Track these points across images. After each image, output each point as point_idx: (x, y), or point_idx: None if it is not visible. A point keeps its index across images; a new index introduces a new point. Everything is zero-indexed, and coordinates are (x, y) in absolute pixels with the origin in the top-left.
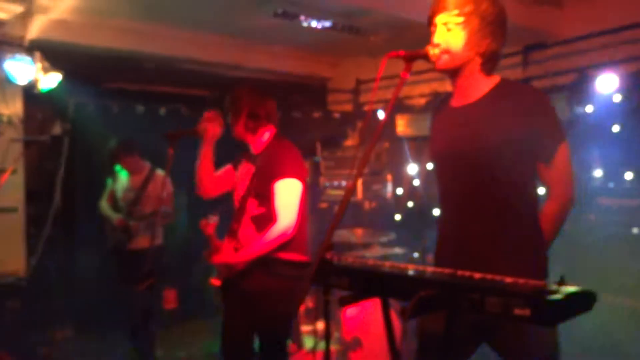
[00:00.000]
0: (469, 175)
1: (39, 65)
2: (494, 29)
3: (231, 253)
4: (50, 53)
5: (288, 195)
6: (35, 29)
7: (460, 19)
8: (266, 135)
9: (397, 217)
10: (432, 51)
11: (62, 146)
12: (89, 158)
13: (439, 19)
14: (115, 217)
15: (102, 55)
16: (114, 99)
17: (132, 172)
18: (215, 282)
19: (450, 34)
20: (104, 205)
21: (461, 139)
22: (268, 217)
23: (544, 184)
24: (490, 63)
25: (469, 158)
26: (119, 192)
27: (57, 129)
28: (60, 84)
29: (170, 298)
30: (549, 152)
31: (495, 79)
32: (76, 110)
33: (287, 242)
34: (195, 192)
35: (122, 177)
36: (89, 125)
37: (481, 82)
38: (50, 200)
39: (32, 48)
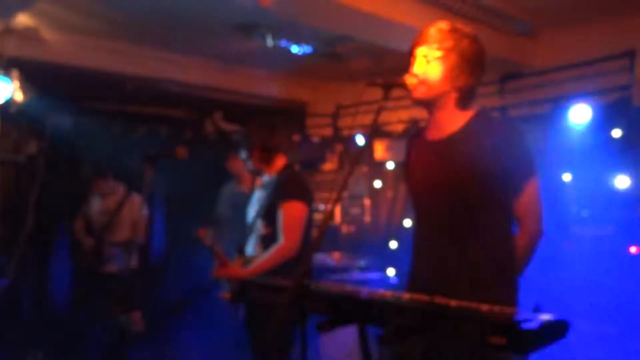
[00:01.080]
0: (443, 208)
1: (16, 83)
2: (472, 66)
3: (237, 268)
4: (28, 71)
5: (292, 216)
6: (12, 47)
7: (440, 53)
8: (278, 163)
9: (375, 241)
10: (410, 81)
11: (38, 166)
12: (65, 178)
13: (420, 51)
14: (87, 242)
15: (80, 74)
16: (92, 118)
17: (105, 195)
18: (226, 295)
19: (428, 66)
20: (78, 228)
21: (436, 172)
22: (274, 237)
23: (514, 217)
24: (465, 98)
25: (443, 191)
26: (92, 215)
27: (32, 148)
28: (38, 102)
29: (136, 320)
30: (518, 186)
31: (469, 113)
32: (53, 130)
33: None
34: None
35: (96, 201)
36: (66, 144)
37: (456, 116)
38: (24, 220)
39: (9, 66)
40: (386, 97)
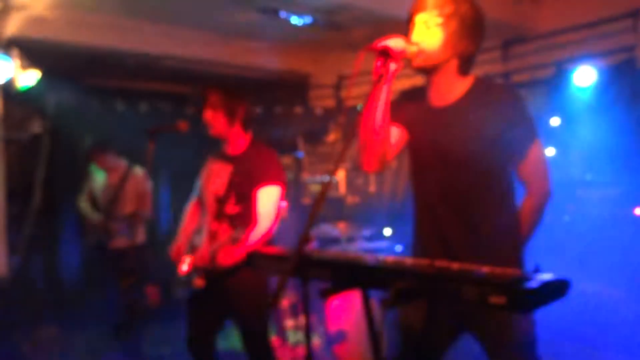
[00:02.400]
0: (449, 173)
1: (17, 62)
2: (472, 31)
3: (230, 254)
4: (29, 50)
5: (271, 201)
6: (12, 26)
7: (440, 20)
8: (245, 137)
9: (380, 211)
10: (409, 49)
11: (42, 144)
12: (70, 156)
13: (419, 18)
14: (94, 217)
15: (81, 52)
16: (94, 96)
17: (108, 170)
18: (199, 282)
19: (428, 33)
20: (83, 204)
21: (441, 140)
22: (243, 216)
23: (520, 181)
24: (466, 64)
25: (449, 158)
26: (97, 191)
27: (36, 127)
28: (39, 81)
29: (153, 295)
30: (522, 149)
31: (470, 79)
32: (56, 108)
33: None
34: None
35: (99, 177)
36: (69, 122)
37: (457, 83)
38: (31, 198)
39: (10, 45)
40: (385, 64)
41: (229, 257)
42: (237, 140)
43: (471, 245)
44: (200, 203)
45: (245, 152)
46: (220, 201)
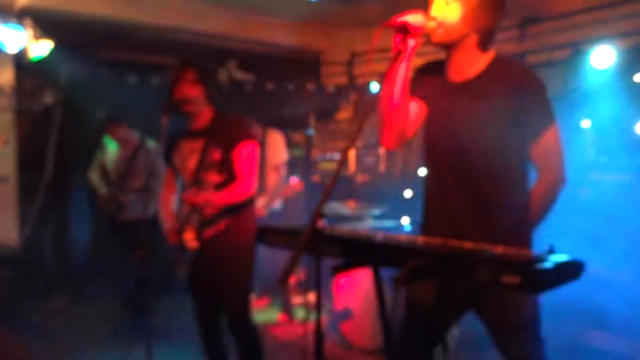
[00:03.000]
0: (463, 150)
1: (30, 33)
2: (493, 6)
3: (204, 195)
4: (41, 20)
5: (251, 158)
6: None
7: None
8: (210, 111)
9: (390, 190)
10: (428, 24)
11: (54, 116)
12: (82, 127)
13: None
14: (103, 190)
15: (94, 23)
16: (106, 68)
17: (121, 143)
18: (193, 244)
19: (448, 7)
20: (94, 177)
21: (457, 115)
22: (229, 183)
23: (533, 164)
24: (487, 39)
25: (465, 134)
26: (108, 164)
27: (49, 98)
28: (52, 52)
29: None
30: (535, 131)
31: (490, 55)
32: (68, 80)
33: (249, 202)
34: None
35: (111, 148)
36: (81, 94)
37: (477, 58)
38: (43, 170)
39: (23, 15)
40: (404, 40)
41: (198, 198)
42: (203, 115)
43: (479, 225)
44: (179, 186)
45: (212, 123)
46: (202, 175)
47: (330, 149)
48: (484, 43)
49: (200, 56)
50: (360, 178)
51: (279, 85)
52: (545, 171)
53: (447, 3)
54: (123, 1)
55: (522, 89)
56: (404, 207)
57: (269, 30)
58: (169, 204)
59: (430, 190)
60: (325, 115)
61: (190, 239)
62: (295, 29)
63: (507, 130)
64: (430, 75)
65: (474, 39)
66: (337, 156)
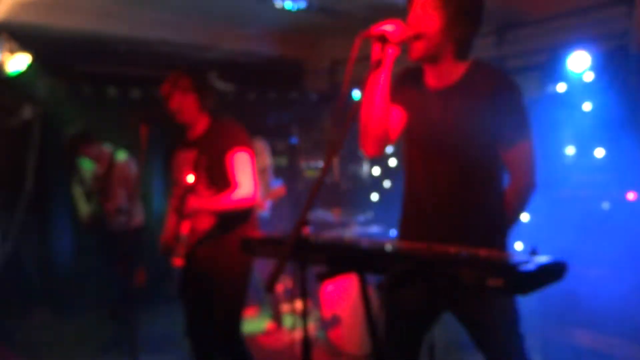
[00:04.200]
0: (440, 155)
1: (7, 47)
2: (471, 16)
3: (198, 200)
4: (19, 35)
5: (247, 166)
6: (2, 10)
7: (437, 3)
8: (207, 120)
9: (374, 196)
10: (406, 33)
11: (33, 130)
12: (61, 142)
13: (417, 0)
14: (85, 209)
15: (72, 37)
16: (85, 82)
17: (94, 160)
18: (178, 262)
19: (427, 16)
20: (76, 195)
21: (438, 122)
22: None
23: (506, 169)
24: (464, 48)
25: (444, 140)
26: (86, 182)
27: (27, 113)
28: (30, 66)
29: (140, 276)
30: (509, 141)
31: (467, 63)
32: (47, 94)
33: (247, 213)
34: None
35: (86, 167)
36: (60, 108)
37: (454, 66)
38: (22, 185)
39: (0, 29)
40: (383, 49)
41: (196, 203)
42: (199, 124)
43: (455, 228)
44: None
45: (206, 132)
46: (191, 189)
47: (314, 157)
48: (462, 52)
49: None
50: (344, 185)
51: (261, 95)
52: (516, 177)
53: (425, 11)
54: (101, 14)
55: (499, 97)
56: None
57: (250, 40)
58: (172, 214)
59: (408, 195)
60: (309, 123)
61: (178, 263)
62: (277, 38)
63: (483, 136)
64: (410, 82)
65: (450, 48)
66: (321, 164)
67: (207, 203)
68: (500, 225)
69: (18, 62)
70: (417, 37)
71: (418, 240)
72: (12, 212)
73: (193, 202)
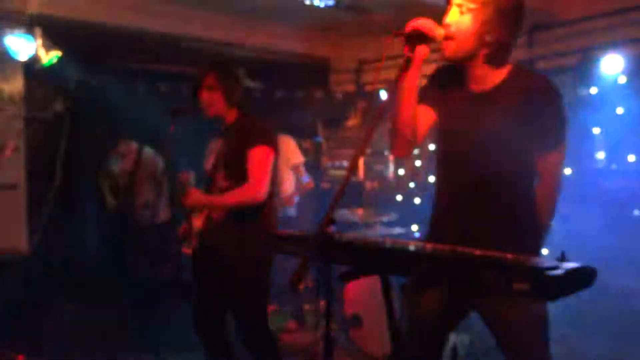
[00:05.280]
0: (478, 157)
1: (40, 41)
2: (508, 19)
3: (198, 194)
4: (51, 29)
5: (261, 161)
6: (35, 4)
7: (474, 5)
8: (236, 112)
9: (399, 197)
10: (438, 31)
11: (64, 123)
12: (91, 135)
13: (455, 1)
14: (110, 204)
15: (103, 31)
16: (115, 76)
17: (121, 156)
18: (186, 251)
19: (462, 17)
20: (103, 188)
21: (476, 124)
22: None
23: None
24: (500, 54)
25: (480, 142)
26: (115, 177)
27: (58, 106)
28: (62, 60)
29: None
30: (546, 149)
31: (506, 69)
32: (78, 87)
33: (259, 208)
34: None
35: (114, 163)
36: (90, 102)
37: (493, 70)
38: (52, 177)
39: (33, 23)
40: (413, 48)
41: (186, 198)
42: (228, 117)
43: (490, 231)
44: None
45: (233, 124)
46: (211, 176)
47: (339, 156)
48: (495, 57)
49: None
50: (369, 185)
51: (288, 93)
52: (546, 181)
53: (462, 13)
54: (132, 9)
55: (539, 104)
56: (414, 213)
57: (278, 38)
58: None
59: (441, 196)
60: (334, 122)
61: (186, 251)
62: (304, 36)
63: (521, 141)
64: (444, 82)
65: (486, 52)
66: (346, 163)
67: (208, 198)
68: (531, 229)
69: (50, 56)
70: (448, 38)
71: (449, 242)
72: (42, 205)
73: (194, 197)
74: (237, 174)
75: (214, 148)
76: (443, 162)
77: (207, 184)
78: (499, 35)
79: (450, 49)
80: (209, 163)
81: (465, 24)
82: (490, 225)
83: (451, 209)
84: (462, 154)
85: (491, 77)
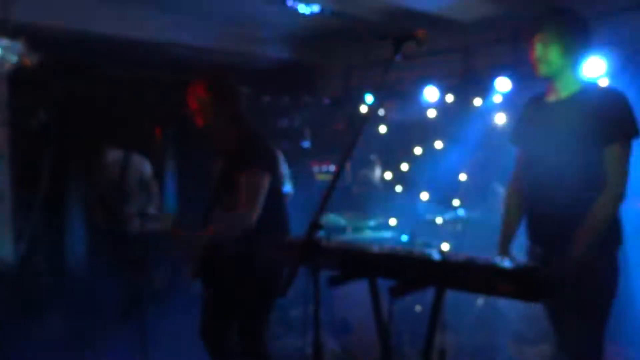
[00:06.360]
0: (549, 163)
1: (25, 49)
2: (582, 39)
3: (197, 236)
4: (36, 37)
5: (251, 185)
6: (20, 12)
7: (555, 37)
8: (234, 131)
9: (386, 201)
10: (543, 70)
11: (50, 132)
12: (77, 144)
13: (537, 38)
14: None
15: (89, 39)
16: (101, 84)
17: (108, 165)
18: (190, 274)
19: (548, 50)
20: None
21: (547, 132)
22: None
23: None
24: (579, 66)
25: (552, 149)
26: (102, 188)
27: (44, 115)
28: (47, 69)
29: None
30: (602, 144)
31: (580, 82)
32: (63, 96)
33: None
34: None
35: (100, 174)
36: (76, 110)
37: (570, 83)
38: (38, 186)
39: (17, 32)
40: (397, 51)
41: (192, 244)
42: (227, 134)
43: (552, 230)
44: None
45: (235, 145)
46: (219, 199)
47: (326, 161)
48: (577, 70)
49: (196, 71)
50: (356, 189)
51: (275, 98)
52: (608, 183)
53: (546, 46)
54: (118, 17)
55: (599, 108)
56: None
57: (264, 44)
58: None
59: (528, 201)
60: (322, 127)
61: (190, 276)
62: (290, 42)
63: (587, 146)
64: (533, 100)
65: (570, 68)
66: (333, 168)
67: (203, 237)
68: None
69: (35, 64)
70: (545, 66)
71: (537, 240)
72: (27, 213)
73: (191, 242)
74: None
75: (217, 168)
76: (528, 168)
77: (213, 201)
78: (579, 53)
79: (544, 70)
80: (216, 184)
81: (553, 53)
82: (553, 224)
83: (530, 211)
84: (538, 159)
85: (567, 89)
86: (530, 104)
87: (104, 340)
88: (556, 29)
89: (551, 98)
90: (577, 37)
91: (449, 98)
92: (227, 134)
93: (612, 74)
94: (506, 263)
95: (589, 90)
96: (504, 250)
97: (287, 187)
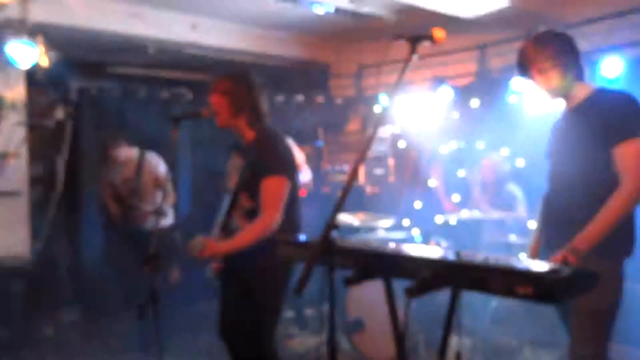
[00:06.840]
0: (562, 171)
1: (41, 48)
2: (573, 53)
3: (214, 246)
4: (53, 36)
5: (273, 192)
6: (37, 12)
7: (548, 62)
8: (253, 129)
9: (399, 201)
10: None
11: (65, 130)
12: (92, 142)
13: (533, 68)
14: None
15: (104, 39)
16: (116, 83)
17: (123, 163)
18: (214, 269)
19: (546, 77)
20: (106, 195)
21: (559, 140)
22: (257, 211)
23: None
24: (580, 75)
25: (562, 153)
26: (117, 184)
27: (60, 113)
28: (63, 68)
29: (174, 276)
30: (611, 142)
31: (591, 87)
32: (79, 95)
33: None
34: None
35: (116, 168)
36: (92, 109)
37: (579, 91)
38: (54, 184)
39: (34, 31)
40: (413, 51)
41: (208, 250)
42: (246, 132)
43: (568, 232)
44: None
45: (252, 144)
46: (236, 196)
47: (339, 160)
48: (579, 78)
49: (209, 70)
50: (369, 189)
51: (288, 98)
52: (622, 180)
53: (543, 75)
54: (133, 17)
55: (606, 111)
56: (414, 218)
57: (277, 43)
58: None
59: (545, 202)
60: (334, 127)
61: (214, 272)
62: (304, 42)
63: (598, 151)
64: (556, 119)
65: (575, 82)
66: (346, 168)
67: (225, 246)
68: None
69: (52, 63)
70: (551, 92)
71: (552, 239)
72: (44, 212)
73: (211, 249)
74: (258, 196)
75: (235, 164)
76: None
77: (231, 203)
78: (572, 65)
79: (553, 95)
80: (232, 181)
81: (553, 78)
82: (568, 225)
83: (545, 211)
84: (554, 163)
85: (578, 97)
86: (558, 117)
87: (120, 336)
88: (547, 51)
89: (568, 104)
90: (567, 52)
91: (465, 99)
92: (247, 134)
93: (630, 75)
94: (525, 264)
95: (598, 95)
96: (534, 254)
97: (304, 176)
